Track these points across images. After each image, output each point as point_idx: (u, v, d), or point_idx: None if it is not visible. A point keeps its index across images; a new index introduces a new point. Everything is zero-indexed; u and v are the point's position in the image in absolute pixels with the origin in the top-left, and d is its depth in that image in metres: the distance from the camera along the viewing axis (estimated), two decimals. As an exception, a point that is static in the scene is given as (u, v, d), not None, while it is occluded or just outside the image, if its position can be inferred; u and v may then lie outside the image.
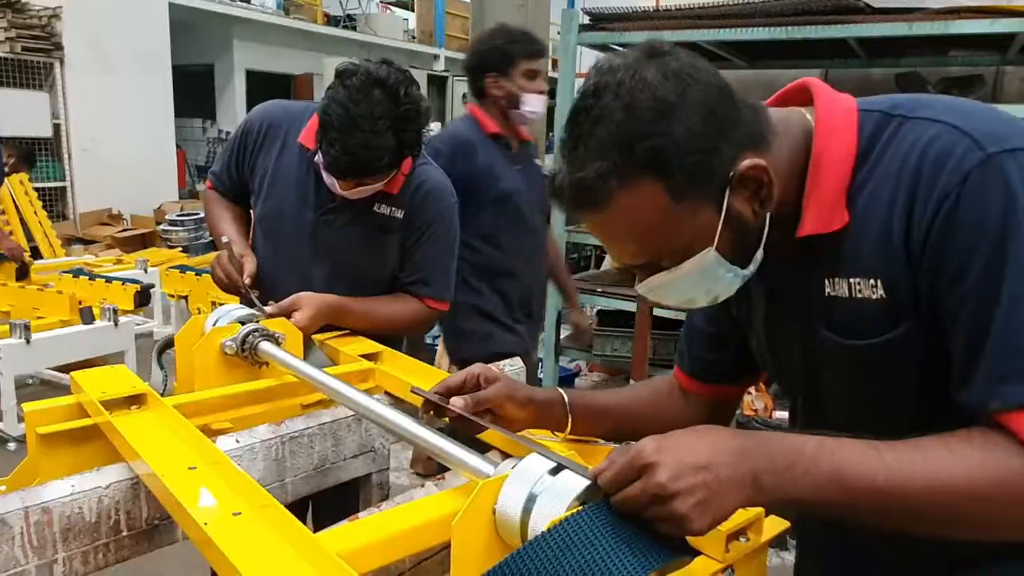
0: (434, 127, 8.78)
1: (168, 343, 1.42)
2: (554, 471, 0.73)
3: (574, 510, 0.68)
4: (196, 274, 4.64)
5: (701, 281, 0.85)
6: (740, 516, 0.85)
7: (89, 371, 1.25)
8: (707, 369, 1.08)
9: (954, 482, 0.69)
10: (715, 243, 0.81)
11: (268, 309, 1.48)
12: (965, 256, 0.72)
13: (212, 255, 7.22)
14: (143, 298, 4.19)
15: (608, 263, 4.97)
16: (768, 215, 0.83)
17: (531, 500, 0.72)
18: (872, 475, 0.70)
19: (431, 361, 2.09)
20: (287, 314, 1.49)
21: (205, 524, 0.80)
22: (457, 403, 0.94)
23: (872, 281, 0.79)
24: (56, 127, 8.22)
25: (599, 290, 3.93)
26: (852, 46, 3.62)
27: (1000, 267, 0.70)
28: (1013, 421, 0.69)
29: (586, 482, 0.71)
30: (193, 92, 11.15)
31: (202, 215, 8.78)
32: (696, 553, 0.79)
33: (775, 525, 0.90)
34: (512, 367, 1.56)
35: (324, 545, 0.73)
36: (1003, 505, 0.69)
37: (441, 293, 1.76)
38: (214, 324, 1.33)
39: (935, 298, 0.75)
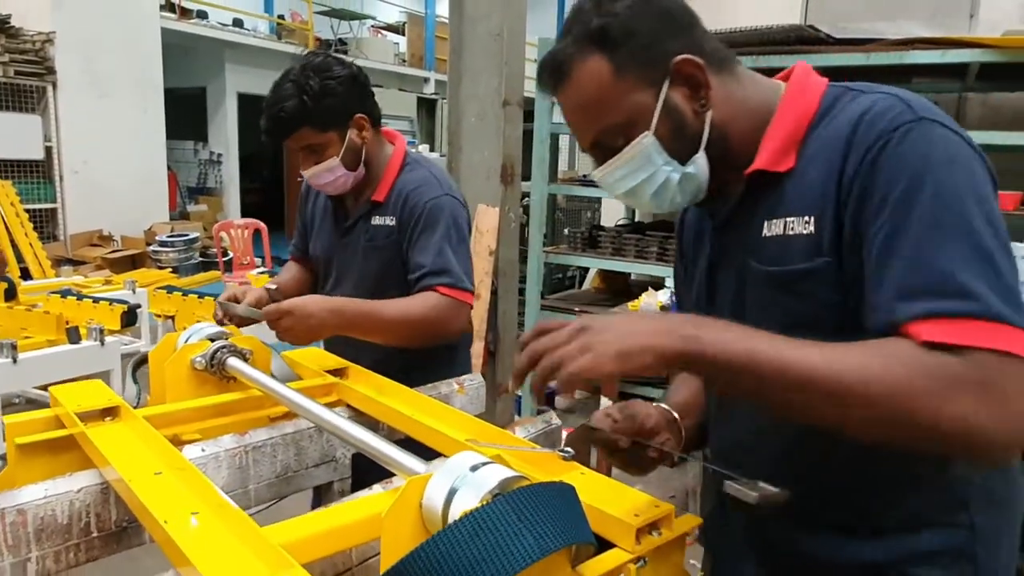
0: (422, 148, 8.92)
1: (143, 359, 1.50)
2: (475, 467, 0.82)
3: (486, 501, 0.77)
4: (183, 294, 4.71)
5: (642, 169, 0.97)
6: (651, 512, 0.94)
7: (67, 385, 1.34)
8: None
9: (845, 363, 0.76)
10: (652, 128, 0.94)
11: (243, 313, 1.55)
12: (888, 188, 0.82)
13: (201, 276, 7.18)
14: (130, 318, 4.26)
15: (588, 283, 5.07)
16: (709, 120, 0.94)
17: (452, 493, 0.80)
18: (778, 351, 0.78)
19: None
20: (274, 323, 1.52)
21: (165, 523, 0.89)
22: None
23: (806, 218, 0.90)
24: (48, 149, 8.32)
25: (576, 309, 4.02)
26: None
27: (914, 197, 0.80)
28: (918, 329, 0.75)
29: (501, 477, 0.80)
30: (185, 115, 11.28)
31: (192, 236, 8.88)
32: (606, 544, 0.88)
33: (687, 521, 0.98)
34: (472, 382, 1.65)
35: (268, 537, 0.82)
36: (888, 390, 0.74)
37: (447, 280, 1.66)
38: (186, 341, 1.41)
39: (856, 231, 0.84)
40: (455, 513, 0.78)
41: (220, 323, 1.54)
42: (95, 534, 1.08)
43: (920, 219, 0.79)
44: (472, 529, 0.73)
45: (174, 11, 10.41)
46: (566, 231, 4.91)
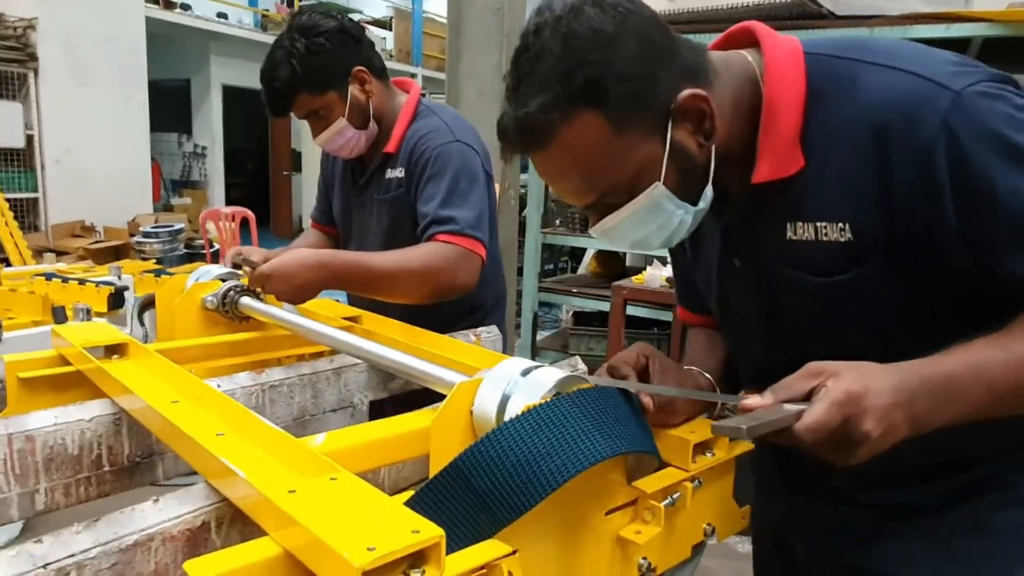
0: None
1: (149, 301, 1.44)
2: (525, 372, 0.77)
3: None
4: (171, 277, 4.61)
5: (652, 218, 0.86)
6: (705, 432, 0.90)
7: (70, 325, 1.28)
8: (701, 303, 1.11)
9: None
10: (662, 177, 0.82)
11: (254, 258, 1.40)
12: (982, 182, 0.74)
13: (186, 267, 7.12)
14: (117, 300, 4.14)
15: (584, 266, 5.03)
16: (714, 150, 0.84)
17: (505, 399, 0.75)
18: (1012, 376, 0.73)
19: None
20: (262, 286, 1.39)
21: (199, 437, 0.82)
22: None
23: (840, 225, 0.82)
24: (29, 138, 8.14)
25: (575, 291, 3.98)
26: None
27: (997, 180, 0.74)
28: None
29: (556, 377, 0.75)
30: (170, 106, 11.13)
31: (177, 227, 8.75)
32: (661, 459, 0.83)
33: (740, 445, 0.93)
34: (488, 334, 1.60)
35: (307, 446, 0.76)
36: None
37: (451, 228, 1.52)
38: (195, 281, 1.35)
39: (937, 236, 0.77)
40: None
41: (235, 267, 1.45)
42: (107, 468, 1.02)
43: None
44: (535, 424, 0.68)
45: (158, 1, 10.26)
46: (558, 221, 4.88)
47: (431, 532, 0.58)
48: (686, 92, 0.81)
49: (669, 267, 3.24)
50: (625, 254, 4.47)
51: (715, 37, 0.96)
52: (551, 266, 6.73)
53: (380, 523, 0.60)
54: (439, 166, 1.58)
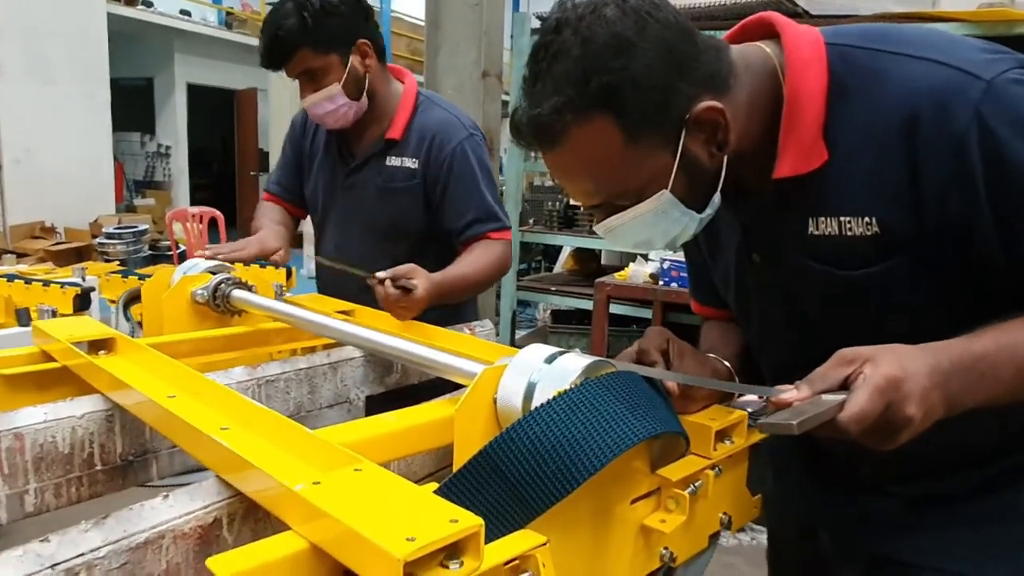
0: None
1: (134, 295, 1.39)
2: (550, 359, 0.75)
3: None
4: (139, 278, 4.49)
5: (657, 223, 0.86)
6: (726, 417, 0.89)
7: (53, 320, 1.23)
8: (715, 297, 1.10)
9: None
10: (670, 185, 0.82)
11: (380, 274, 1.35)
12: (1016, 171, 0.72)
13: (152, 269, 6.96)
14: (83, 301, 4.02)
15: (561, 264, 5.03)
16: (726, 158, 0.83)
17: (531, 388, 0.73)
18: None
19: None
20: (401, 283, 1.36)
21: (207, 430, 0.78)
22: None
23: (866, 219, 0.80)
24: (-14, 137, 7.91)
25: (553, 289, 3.97)
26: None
27: None
28: None
29: (584, 364, 0.73)
30: (133, 106, 10.89)
31: (141, 228, 8.56)
32: (687, 437, 0.82)
33: (756, 433, 0.92)
34: (483, 328, 1.57)
35: (325, 438, 0.73)
36: None
37: (495, 225, 1.68)
38: (184, 274, 1.31)
39: (969, 226, 0.76)
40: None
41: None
42: (99, 467, 0.97)
43: None
44: (567, 408, 0.66)
45: (120, -2, 10.03)
46: (531, 220, 4.87)
47: (470, 521, 0.56)
48: (703, 105, 0.79)
49: (652, 264, 3.24)
50: (600, 251, 4.47)
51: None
52: (525, 265, 6.72)
53: (416, 513, 0.57)
54: (465, 166, 1.66)
